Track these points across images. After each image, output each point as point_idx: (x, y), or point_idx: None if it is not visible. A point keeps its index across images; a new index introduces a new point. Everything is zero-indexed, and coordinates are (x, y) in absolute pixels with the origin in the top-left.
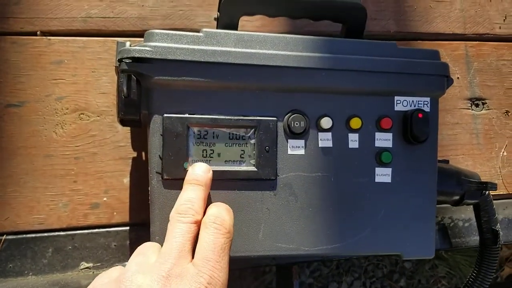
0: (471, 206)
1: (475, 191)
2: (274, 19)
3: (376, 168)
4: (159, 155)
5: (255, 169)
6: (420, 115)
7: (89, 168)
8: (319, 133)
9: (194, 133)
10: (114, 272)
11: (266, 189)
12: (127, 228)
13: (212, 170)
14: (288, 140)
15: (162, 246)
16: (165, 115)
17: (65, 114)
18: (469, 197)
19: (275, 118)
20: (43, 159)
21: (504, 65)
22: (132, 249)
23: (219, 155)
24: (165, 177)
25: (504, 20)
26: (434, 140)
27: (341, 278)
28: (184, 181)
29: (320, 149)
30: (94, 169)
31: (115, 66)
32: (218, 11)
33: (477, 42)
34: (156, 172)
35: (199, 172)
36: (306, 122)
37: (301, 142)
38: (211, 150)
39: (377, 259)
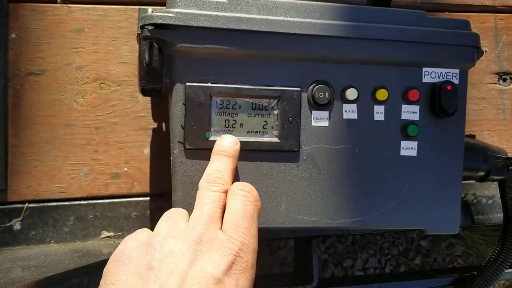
0: (496, 183)
1: (502, 167)
2: None
3: (402, 142)
4: (181, 125)
5: (278, 141)
6: (449, 87)
7: (110, 138)
8: (344, 104)
9: (216, 102)
10: (142, 235)
11: (289, 160)
12: (148, 198)
13: None
14: (312, 111)
15: (189, 213)
16: (188, 83)
17: (85, 83)
18: (495, 173)
19: (299, 89)
20: (64, 128)
21: None
22: (152, 219)
23: (241, 125)
24: (187, 147)
25: None
26: (462, 114)
27: (356, 254)
28: (212, 151)
29: (345, 121)
30: (115, 139)
31: (137, 34)
32: None
33: (507, 14)
34: (178, 142)
35: (227, 144)
36: (330, 93)
37: (325, 114)
38: (233, 120)
39: (393, 236)
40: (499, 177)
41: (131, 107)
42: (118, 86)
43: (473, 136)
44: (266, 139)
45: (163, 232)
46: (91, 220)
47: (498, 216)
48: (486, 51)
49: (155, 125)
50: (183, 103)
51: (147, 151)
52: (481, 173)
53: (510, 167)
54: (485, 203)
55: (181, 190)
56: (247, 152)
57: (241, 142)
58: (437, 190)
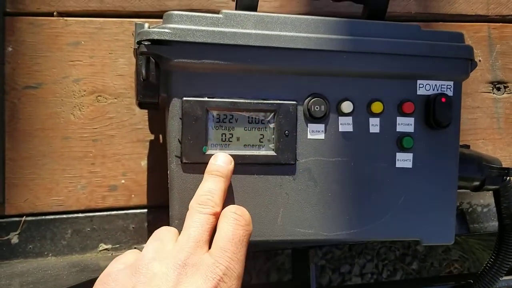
0: (490, 192)
1: (496, 177)
2: (294, 2)
3: (397, 153)
4: (178, 139)
5: (274, 154)
6: (444, 100)
7: (107, 150)
8: (339, 117)
9: (213, 116)
10: (130, 257)
11: (285, 173)
12: (145, 210)
13: (231, 154)
14: (308, 124)
15: (179, 231)
16: (184, 98)
17: (82, 96)
18: (489, 182)
19: (295, 102)
20: (61, 141)
21: None
22: (150, 231)
23: (238, 139)
24: (184, 161)
25: None
26: (457, 125)
27: (354, 260)
28: (206, 171)
29: (341, 133)
30: (112, 151)
31: (134, 49)
32: None
33: (500, 23)
34: (176, 156)
35: (221, 164)
36: (326, 106)
37: (321, 127)
38: (230, 134)
39: (390, 242)
40: (494, 187)
41: (128, 120)
42: (115, 98)
43: (467, 146)
44: (262, 152)
45: (150, 255)
46: (88, 233)
47: (493, 224)
48: (480, 60)
49: (152, 137)
50: (180, 118)
51: (144, 163)
52: (476, 183)
53: (504, 176)
54: (481, 211)
55: (178, 204)
56: (244, 166)
57: (238, 155)
58: (433, 202)
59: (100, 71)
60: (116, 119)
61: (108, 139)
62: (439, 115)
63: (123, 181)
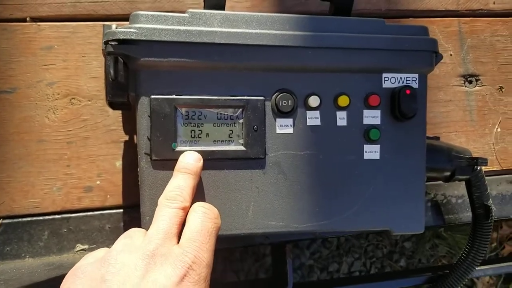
0: (464, 183)
1: (466, 167)
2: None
3: (365, 145)
4: (147, 137)
5: (244, 149)
6: (408, 92)
7: (82, 152)
8: (307, 111)
9: (182, 114)
10: (100, 252)
11: (255, 168)
12: (121, 210)
13: (201, 150)
14: (276, 119)
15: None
16: (152, 96)
17: (56, 99)
18: (460, 172)
19: (262, 98)
20: (36, 144)
21: (498, 40)
22: (126, 230)
23: (207, 135)
24: (154, 158)
25: None
26: (423, 116)
27: (342, 258)
28: (175, 168)
29: (309, 127)
30: (87, 153)
31: (102, 49)
32: None
33: (471, 18)
34: (145, 153)
35: (190, 161)
36: (294, 101)
37: (289, 121)
38: (199, 130)
39: (377, 239)
40: (465, 177)
41: (102, 121)
42: (89, 101)
43: (437, 138)
44: (232, 147)
45: (119, 248)
46: (65, 234)
47: (468, 215)
48: (451, 54)
49: (126, 137)
50: (148, 115)
51: (119, 163)
52: (447, 173)
53: (474, 166)
54: (455, 202)
55: (149, 201)
56: (214, 161)
57: (208, 151)
58: (401, 192)
59: (73, 74)
60: (90, 121)
61: (83, 141)
62: (404, 107)
63: (98, 182)
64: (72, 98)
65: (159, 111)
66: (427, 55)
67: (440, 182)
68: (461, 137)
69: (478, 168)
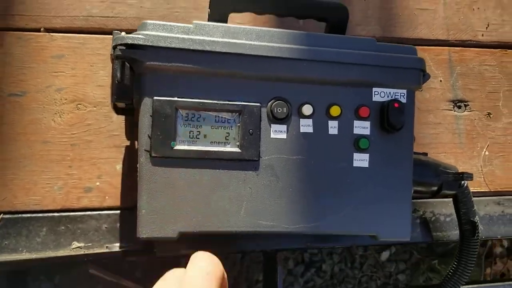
0: (452, 201)
1: (452, 182)
2: (263, 19)
3: (354, 154)
4: (148, 135)
5: (239, 150)
6: (396, 105)
7: (84, 154)
8: (300, 119)
9: (182, 115)
10: None
11: (249, 169)
12: (118, 211)
13: (198, 150)
14: (271, 124)
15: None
16: (155, 98)
17: (63, 104)
18: (446, 187)
19: (259, 104)
20: (41, 145)
21: (486, 70)
22: (122, 231)
23: (205, 136)
24: (153, 154)
25: (486, 28)
26: (410, 129)
27: None
28: None
29: (301, 134)
30: (89, 155)
31: (111, 54)
32: (209, 7)
33: (460, 48)
34: (145, 150)
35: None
36: (288, 109)
37: (283, 127)
38: (198, 131)
39: (371, 270)
40: (451, 192)
41: (105, 126)
42: (94, 107)
43: (425, 154)
44: (228, 149)
45: None
46: (62, 231)
47: (455, 233)
48: (441, 80)
49: (128, 143)
50: (150, 115)
51: (119, 167)
52: (434, 188)
53: (461, 181)
54: (443, 220)
55: (146, 195)
56: (210, 161)
57: (204, 151)
58: (388, 199)
59: (81, 81)
60: (95, 125)
61: (86, 144)
62: (392, 119)
63: (98, 183)
64: (79, 104)
65: (161, 111)
66: (415, 72)
67: (429, 199)
68: (450, 158)
69: (465, 184)
